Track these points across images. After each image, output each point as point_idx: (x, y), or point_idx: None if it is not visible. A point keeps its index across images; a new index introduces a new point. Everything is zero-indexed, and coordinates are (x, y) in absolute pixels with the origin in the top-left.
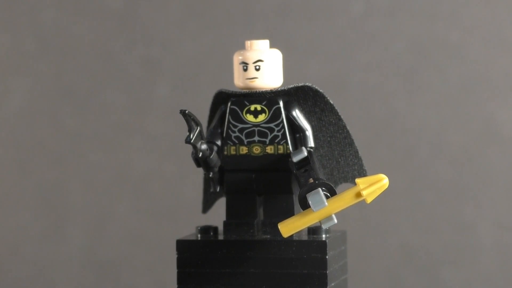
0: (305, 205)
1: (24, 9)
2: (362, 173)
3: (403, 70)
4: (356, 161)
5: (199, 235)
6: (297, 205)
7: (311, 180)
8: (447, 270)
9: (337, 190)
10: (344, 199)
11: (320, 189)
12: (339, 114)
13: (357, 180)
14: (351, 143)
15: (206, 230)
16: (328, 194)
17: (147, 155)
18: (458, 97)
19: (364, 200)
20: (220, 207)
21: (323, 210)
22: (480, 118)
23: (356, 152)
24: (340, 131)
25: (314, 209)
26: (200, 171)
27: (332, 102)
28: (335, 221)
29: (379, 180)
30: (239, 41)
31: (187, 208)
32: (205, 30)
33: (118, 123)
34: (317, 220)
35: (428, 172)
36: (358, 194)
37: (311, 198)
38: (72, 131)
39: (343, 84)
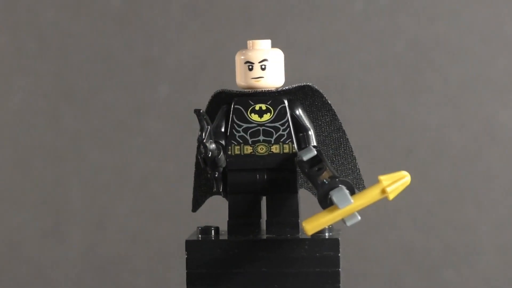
0: (326, 203)
1: (24, 9)
2: (356, 172)
3: (403, 70)
4: (350, 160)
5: (199, 235)
6: (301, 205)
7: (328, 178)
8: (447, 270)
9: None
10: (369, 196)
11: (343, 186)
12: (336, 113)
13: (381, 177)
14: (345, 142)
15: (207, 230)
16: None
17: (147, 155)
18: (458, 97)
19: (386, 197)
20: (220, 207)
21: (348, 207)
22: (480, 118)
23: (351, 151)
24: (336, 130)
25: (340, 207)
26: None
27: (329, 102)
28: (359, 218)
29: (403, 177)
30: (240, 41)
31: (187, 208)
32: (205, 30)
33: (118, 123)
34: (341, 217)
35: (428, 172)
36: (383, 191)
37: (335, 196)
38: (72, 131)
39: (343, 84)
